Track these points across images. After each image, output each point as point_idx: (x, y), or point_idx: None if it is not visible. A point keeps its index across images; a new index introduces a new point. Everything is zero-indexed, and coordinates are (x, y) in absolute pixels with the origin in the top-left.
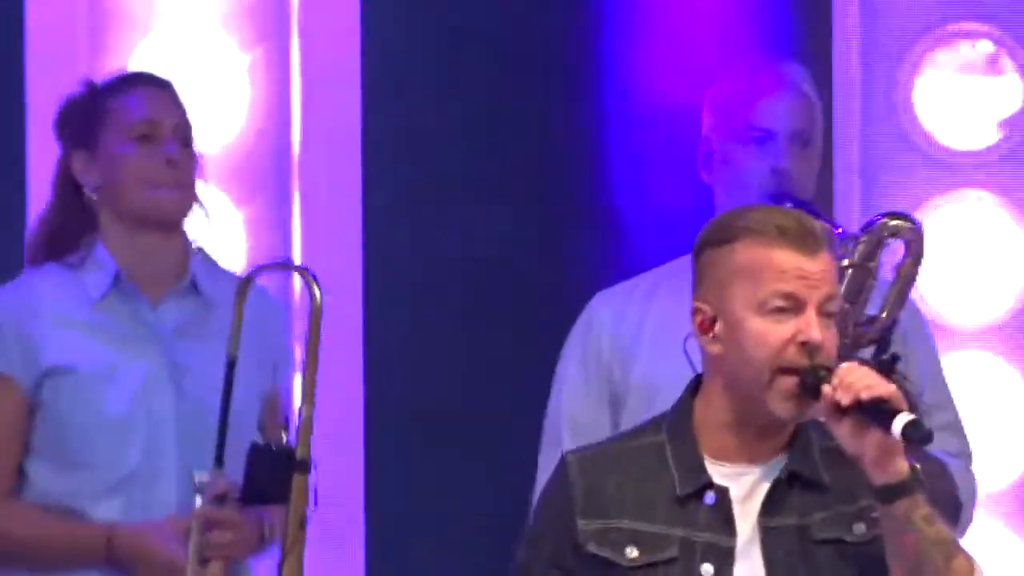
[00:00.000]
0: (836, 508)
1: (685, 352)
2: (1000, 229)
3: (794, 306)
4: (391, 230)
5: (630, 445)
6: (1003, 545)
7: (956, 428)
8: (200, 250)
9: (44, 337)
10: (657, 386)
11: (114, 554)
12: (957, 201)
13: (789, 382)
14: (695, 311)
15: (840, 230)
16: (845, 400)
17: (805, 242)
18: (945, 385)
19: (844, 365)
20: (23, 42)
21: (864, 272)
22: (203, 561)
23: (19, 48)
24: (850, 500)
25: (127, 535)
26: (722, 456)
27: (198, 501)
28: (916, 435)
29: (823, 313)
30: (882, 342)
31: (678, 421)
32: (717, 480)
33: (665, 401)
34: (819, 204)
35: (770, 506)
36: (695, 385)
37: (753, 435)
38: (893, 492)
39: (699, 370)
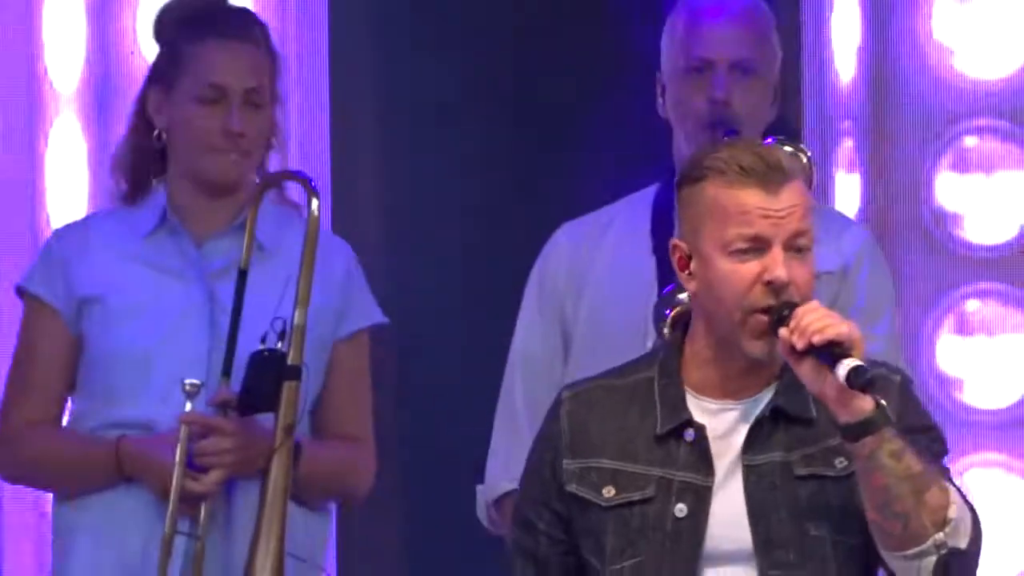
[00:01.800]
0: (822, 443)
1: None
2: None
3: (759, 246)
4: None
5: (625, 380)
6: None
7: (890, 358)
8: (273, 196)
9: (86, 270)
10: (601, 324)
11: (123, 467)
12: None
13: (759, 321)
14: (673, 247)
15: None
16: (800, 344)
17: (769, 179)
18: (888, 317)
19: (802, 307)
20: None
21: None
22: (202, 469)
23: None
24: (833, 435)
25: (131, 447)
26: (707, 392)
27: (188, 407)
28: (858, 381)
29: (792, 248)
30: None
31: (668, 357)
32: (697, 417)
33: (608, 340)
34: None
35: (753, 443)
36: (684, 319)
37: (737, 370)
38: (857, 430)
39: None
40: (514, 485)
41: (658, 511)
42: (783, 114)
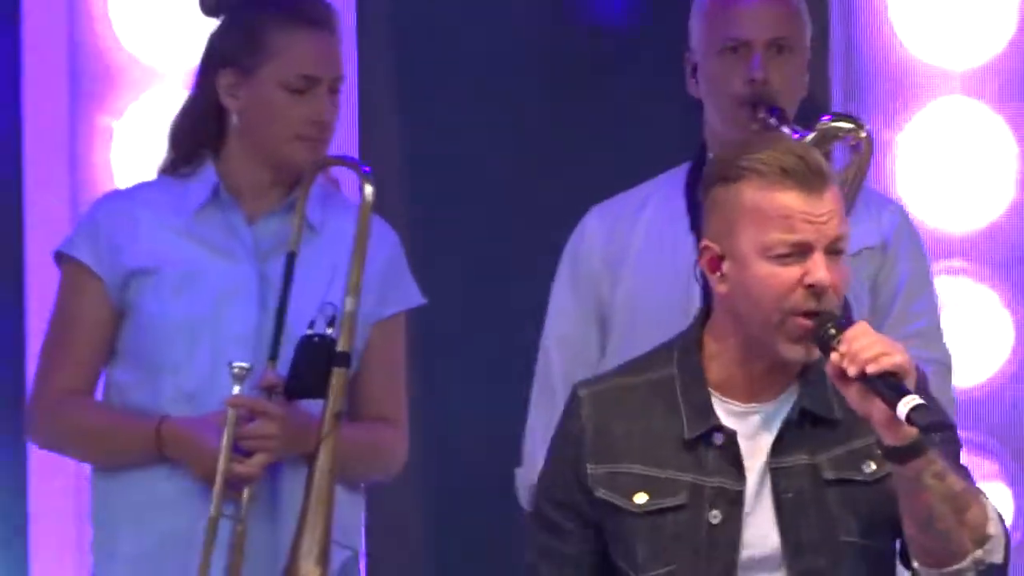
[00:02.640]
0: (847, 444)
1: (697, 278)
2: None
3: (801, 250)
4: None
5: (641, 379)
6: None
7: (932, 337)
8: (324, 178)
9: (135, 241)
10: (642, 305)
11: (164, 446)
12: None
13: (798, 325)
14: (704, 248)
15: (798, 135)
16: (852, 371)
17: (811, 183)
18: (928, 293)
19: (851, 330)
20: None
21: None
22: (247, 453)
23: None
24: (860, 437)
25: (175, 428)
26: (731, 393)
27: (236, 390)
28: (922, 422)
29: (832, 252)
30: None
31: (687, 354)
32: (725, 421)
33: (649, 320)
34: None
35: (780, 446)
36: (704, 316)
37: (762, 371)
38: (903, 453)
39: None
40: None
41: (691, 518)
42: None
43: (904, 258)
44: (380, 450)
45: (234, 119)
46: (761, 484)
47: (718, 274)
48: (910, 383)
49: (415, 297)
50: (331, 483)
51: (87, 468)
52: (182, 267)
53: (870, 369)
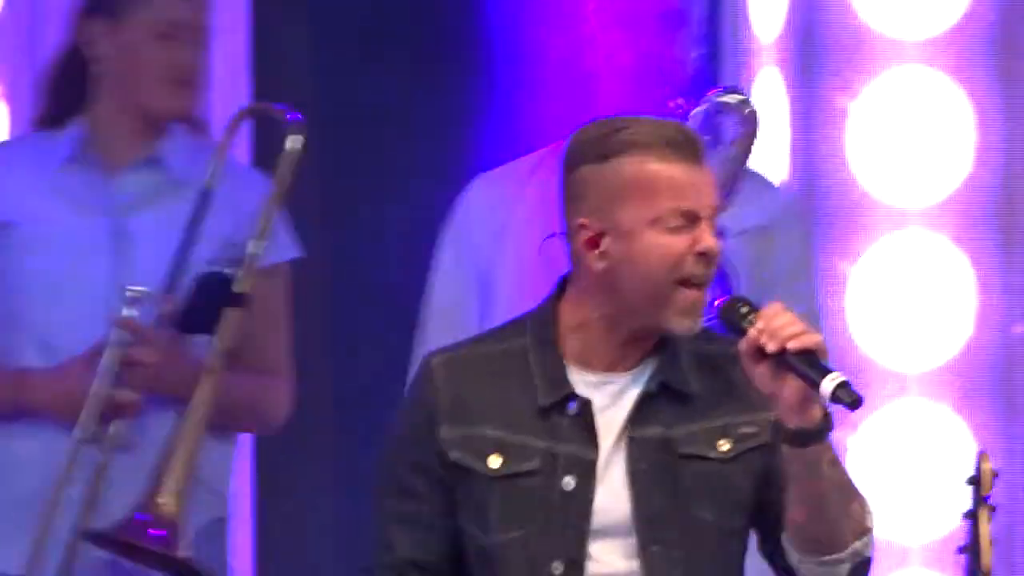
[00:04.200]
0: (702, 422)
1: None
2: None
3: (689, 219)
4: None
5: (495, 348)
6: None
7: (811, 321)
8: (188, 129)
9: (1, 195)
10: (529, 271)
11: (25, 392)
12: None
13: (687, 297)
14: (579, 227)
15: (680, 107)
16: (771, 347)
17: (692, 154)
18: (808, 277)
19: (770, 308)
20: None
21: None
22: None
23: None
24: (716, 414)
25: (36, 376)
26: (586, 364)
27: (127, 312)
28: (847, 398)
29: (710, 220)
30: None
31: (542, 325)
32: (580, 390)
33: (539, 287)
34: None
35: (637, 417)
36: (560, 289)
37: (621, 343)
38: (806, 437)
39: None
40: None
41: (545, 484)
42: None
43: (787, 241)
44: (256, 400)
45: (99, 68)
46: (613, 454)
47: (596, 252)
48: (826, 363)
49: (292, 249)
50: (204, 419)
51: None
52: (40, 222)
53: (791, 345)
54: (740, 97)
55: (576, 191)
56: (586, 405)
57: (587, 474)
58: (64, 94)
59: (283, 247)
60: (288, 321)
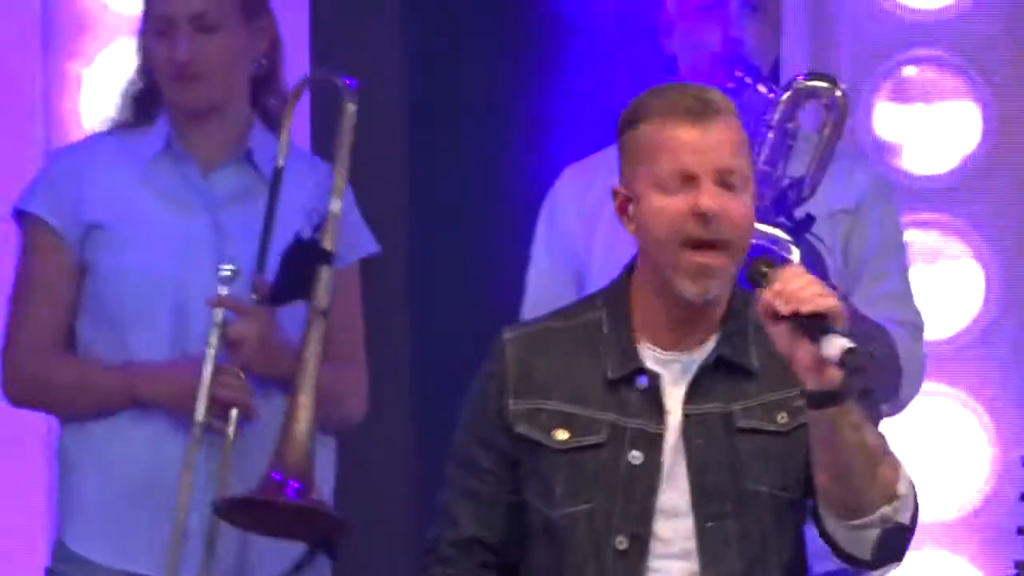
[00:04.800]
0: (762, 396)
1: None
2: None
3: (689, 180)
4: None
5: (568, 323)
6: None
7: (903, 298)
8: (269, 124)
9: (91, 194)
10: (619, 258)
11: (137, 388)
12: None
13: (691, 261)
14: (614, 193)
15: (774, 93)
16: (784, 310)
17: (700, 115)
18: (898, 254)
19: (787, 270)
20: None
21: (784, 134)
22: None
23: None
24: (778, 386)
25: (148, 368)
26: (656, 340)
27: (222, 291)
28: (852, 364)
29: (724, 185)
30: (800, 203)
31: (616, 299)
32: (649, 365)
33: None
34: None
35: (695, 392)
36: (632, 263)
37: (681, 317)
38: (823, 399)
39: None
40: None
41: (611, 458)
42: None
43: (876, 220)
44: (338, 388)
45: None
46: (677, 430)
47: (626, 217)
48: (839, 327)
49: (368, 245)
50: (316, 365)
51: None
52: (138, 219)
53: (804, 308)
54: (829, 81)
55: (619, 159)
56: (655, 380)
57: (654, 449)
58: (149, 102)
59: (357, 245)
60: (360, 316)
